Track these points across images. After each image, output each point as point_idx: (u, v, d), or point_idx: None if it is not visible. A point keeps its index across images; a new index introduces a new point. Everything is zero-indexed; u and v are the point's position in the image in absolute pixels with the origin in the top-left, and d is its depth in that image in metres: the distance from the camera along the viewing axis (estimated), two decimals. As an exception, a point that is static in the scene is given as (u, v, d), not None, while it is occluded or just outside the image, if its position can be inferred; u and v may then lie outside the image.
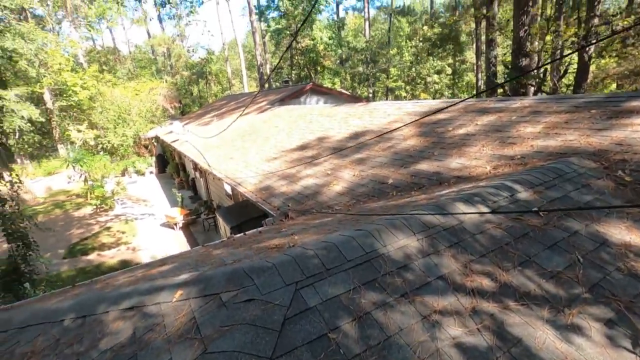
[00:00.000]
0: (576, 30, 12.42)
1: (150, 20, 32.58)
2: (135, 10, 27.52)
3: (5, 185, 5.42)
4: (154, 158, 21.48)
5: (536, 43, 14.19)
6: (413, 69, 28.93)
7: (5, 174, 5.82)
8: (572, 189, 2.69)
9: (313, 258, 1.85)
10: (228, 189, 9.85)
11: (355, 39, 37.07)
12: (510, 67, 14.70)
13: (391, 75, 30.73)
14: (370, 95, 31.33)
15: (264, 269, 1.79)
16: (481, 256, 1.99)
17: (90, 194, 14.78)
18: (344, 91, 18.73)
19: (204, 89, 37.12)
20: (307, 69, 27.46)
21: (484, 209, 2.38)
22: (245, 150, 8.59)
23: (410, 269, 1.87)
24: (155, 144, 21.98)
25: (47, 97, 21.58)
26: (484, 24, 23.32)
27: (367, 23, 33.16)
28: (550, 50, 15.38)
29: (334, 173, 5.27)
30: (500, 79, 17.48)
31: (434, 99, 29.91)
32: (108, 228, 12.31)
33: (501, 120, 4.72)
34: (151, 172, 21.16)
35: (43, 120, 19.62)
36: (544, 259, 2.00)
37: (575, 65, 15.12)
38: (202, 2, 27.19)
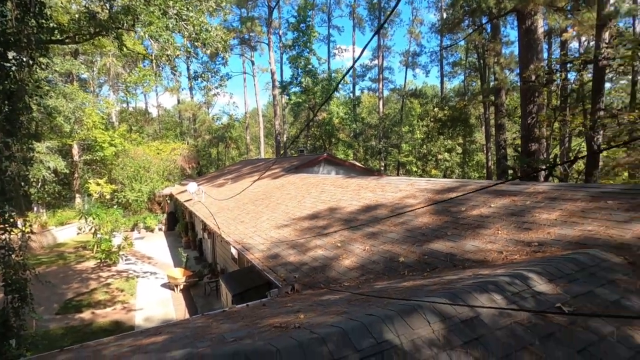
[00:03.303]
0: (582, 120, 12.96)
1: (183, 90, 35.57)
2: (170, 80, 30.34)
3: (16, 234, 5.46)
4: (165, 215, 21.69)
5: (544, 130, 14.71)
6: (424, 146, 29.97)
7: (19, 222, 5.89)
8: (597, 284, 2.54)
9: (320, 345, 1.72)
10: (235, 253, 9.69)
11: (369, 115, 39.32)
12: (520, 151, 15.12)
13: (403, 151, 31.81)
14: (382, 168, 32.10)
15: (267, 354, 1.66)
16: (502, 357, 1.82)
17: (97, 247, 14.71)
18: (356, 163, 19.29)
19: (223, 152, 38.87)
20: (322, 140, 28.75)
21: (500, 300, 2.25)
22: (256, 215, 8.62)
23: (425, 365, 1.71)
24: (169, 201, 22.38)
25: (75, 150, 22.82)
26: (492, 109, 24.63)
27: (380, 102, 35.43)
28: (559, 137, 15.88)
29: (344, 246, 5.17)
30: (510, 162, 17.83)
31: (444, 176, 30.40)
32: (108, 284, 11.96)
33: (515, 204, 4.70)
34: (160, 229, 21.20)
35: (67, 172, 20.48)
36: (574, 365, 1.81)
37: (585, 153, 15.45)
38: (231, 77, 29.90)
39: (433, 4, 35.98)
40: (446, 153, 29.39)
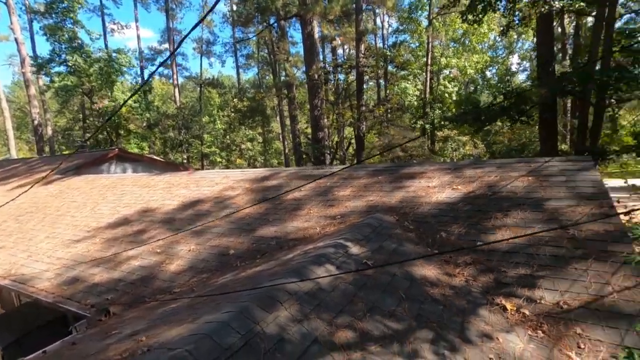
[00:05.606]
0: (352, 113, 16.43)
1: None
2: None
3: None
4: None
5: (326, 120, 17.65)
6: (227, 136, 30.22)
7: None
8: (383, 240, 3.46)
9: (188, 358, 1.63)
10: (-8, 291, 7.06)
11: (164, 104, 35.97)
12: (310, 138, 17.64)
13: (205, 142, 30.95)
14: (185, 160, 30.29)
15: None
16: (340, 311, 2.26)
17: None
18: (156, 157, 17.43)
19: (-64, 152, 26.56)
20: (108, 132, 24.28)
21: (331, 267, 2.75)
22: (28, 235, 6.56)
23: (287, 340, 1.92)
24: None
25: None
26: (286, 101, 27.39)
27: (176, 90, 32.97)
28: (337, 126, 19.46)
29: (166, 251, 4.74)
30: (304, 148, 20.59)
31: (249, 164, 31.78)
32: None
33: (320, 185, 5.59)
34: None
35: None
36: (382, 302, 2.47)
37: (354, 139, 19.60)
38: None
39: (222, -7, 35.77)
40: (249, 142, 30.73)
